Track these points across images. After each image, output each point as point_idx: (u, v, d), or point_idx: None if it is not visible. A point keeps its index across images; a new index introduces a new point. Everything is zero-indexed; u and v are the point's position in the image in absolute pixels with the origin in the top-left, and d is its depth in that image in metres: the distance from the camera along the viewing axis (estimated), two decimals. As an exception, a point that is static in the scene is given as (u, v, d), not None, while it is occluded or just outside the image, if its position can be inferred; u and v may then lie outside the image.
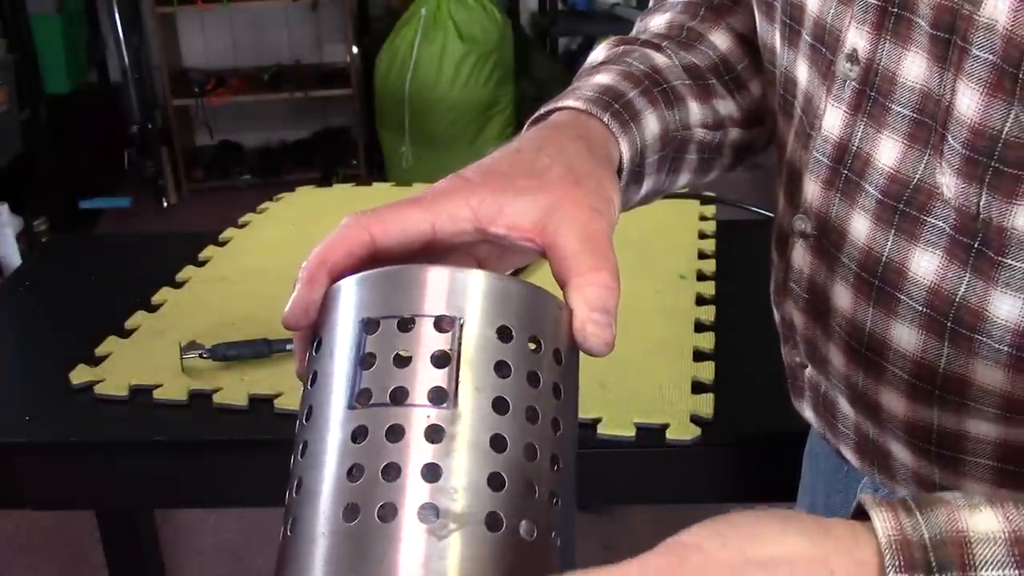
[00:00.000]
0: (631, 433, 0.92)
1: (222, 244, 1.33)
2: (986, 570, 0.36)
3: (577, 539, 0.44)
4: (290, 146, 4.26)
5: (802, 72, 0.61)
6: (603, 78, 0.61)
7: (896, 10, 0.52)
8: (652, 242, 1.26)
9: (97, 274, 1.32)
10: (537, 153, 0.52)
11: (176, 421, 0.98)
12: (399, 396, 0.39)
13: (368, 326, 0.41)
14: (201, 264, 1.27)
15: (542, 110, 0.60)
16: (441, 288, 0.41)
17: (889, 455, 0.61)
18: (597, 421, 0.93)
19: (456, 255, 0.51)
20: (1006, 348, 0.52)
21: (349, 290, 0.43)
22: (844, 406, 0.63)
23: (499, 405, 0.39)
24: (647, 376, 0.99)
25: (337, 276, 0.46)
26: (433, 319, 0.40)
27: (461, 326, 0.40)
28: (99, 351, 1.07)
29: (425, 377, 0.39)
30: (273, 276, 1.22)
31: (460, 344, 0.40)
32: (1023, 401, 0.53)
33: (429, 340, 0.40)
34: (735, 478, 0.97)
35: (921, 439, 0.58)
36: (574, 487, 0.42)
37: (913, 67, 0.52)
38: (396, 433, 0.38)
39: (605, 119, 0.57)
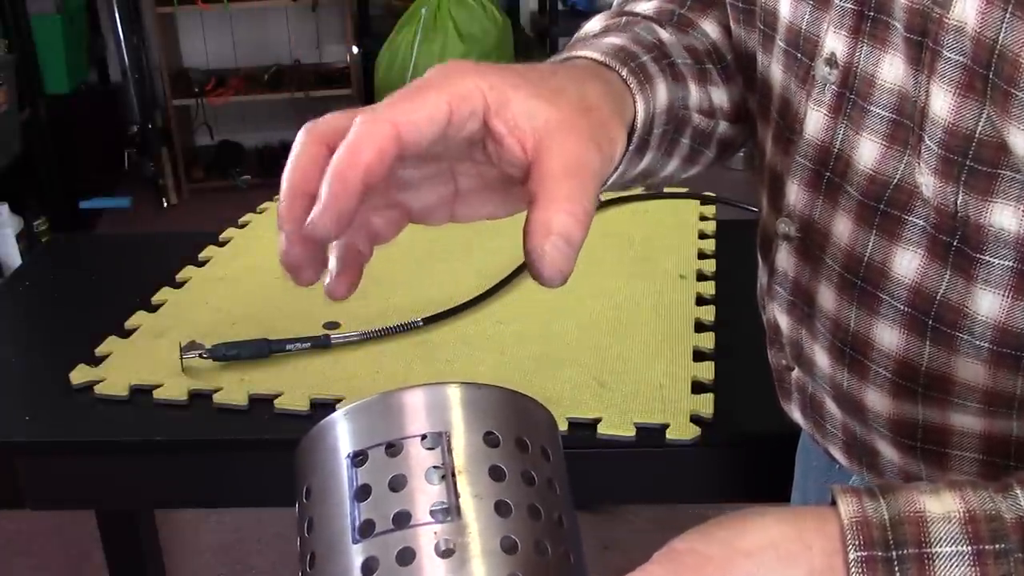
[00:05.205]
0: (631, 433, 0.92)
1: (222, 244, 1.33)
2: (940, 546, 0.39)
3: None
4: (290, 146, 4.23)
5: (776, 77, 0.61)
6: (614, 40, 0.59)
7: (872, 13, 0.52)
8: (652, 242, 1.26)
9: (97, 274, 1.32)
10: (552, 74, 0.51)
11: (176, 421, 0.98)
12: (402, 519, 0.39)
13: (356, 459, 0.41)
14: (201, 264, 1.27)
15: (554, 59, 0.57)
16: (420, 407, 0.41)
17: (876, 453, 0.61)
18: (597, 421, 0.93)
19: (440, 177, 0.49)
20: (987, 344, 0.52)
21: (327, 431, 0.42)
22: (831, 406, 0.63)
23: (502, 508, 0.39)
24: (647, 376, 0.99)
25: (372, 181, 0.43)
26: (419, 438, 0.40)
27: (448, 439, 0.40)
28: (99, 351, 1.07)
29: (424, 495, 0.39)
30: (273, 276, 1.22)
31: (452, 456, 0.40)
32: (1005, 396, 0.53)
33: (420, 459, 0.40)
34: (735, 478, 0.97)
35: (907, 436, 0.58)
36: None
37: (891, 69, 0.52)
38: (407, 556, 0.38)
39: (623, 73, 0.55)
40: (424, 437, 0.40)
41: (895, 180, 0.53)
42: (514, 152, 0.46)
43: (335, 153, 0.44)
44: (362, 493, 0.40)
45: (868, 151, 0.54)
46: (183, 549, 2.20)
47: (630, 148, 0.56)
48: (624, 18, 0.65)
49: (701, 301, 1.12)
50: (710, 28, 0.68)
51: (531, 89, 0.47)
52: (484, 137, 0.47)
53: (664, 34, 0.63)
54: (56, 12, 3.53)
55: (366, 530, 0.39)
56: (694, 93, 0.63)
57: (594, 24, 0.66)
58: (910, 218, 0.53)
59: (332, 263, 0.49)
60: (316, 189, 0.44)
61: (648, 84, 0.57)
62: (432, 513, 0.39)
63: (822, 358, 0.61)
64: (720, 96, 0.66)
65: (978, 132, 0.47)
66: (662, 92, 0.59)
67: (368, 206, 0.49)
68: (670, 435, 0.92)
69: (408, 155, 0.44)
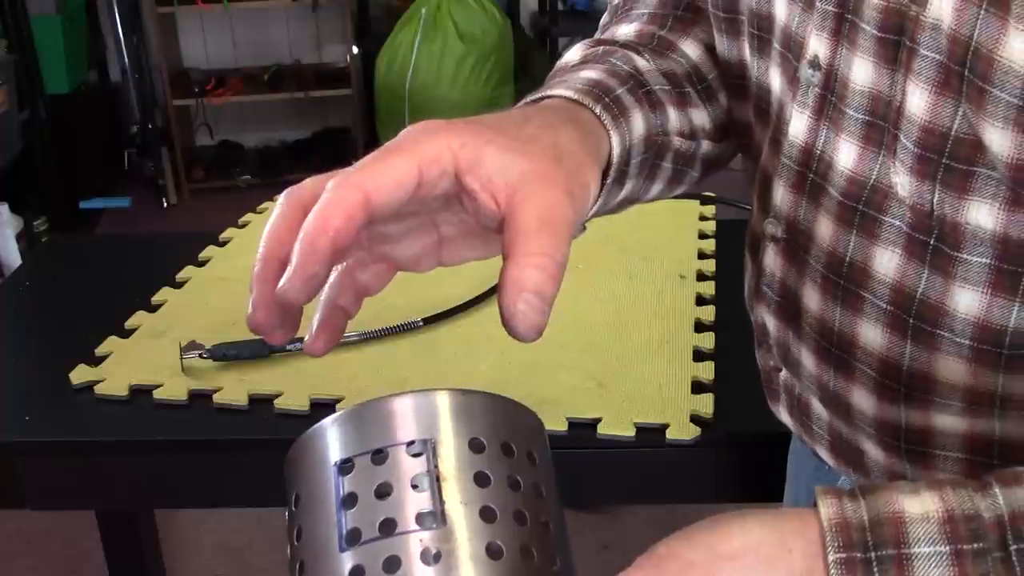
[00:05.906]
0: (631, 433, 0.92)
1: (222, 244, 1.33)
2: (919, 546, 0.39)
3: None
4: (290, 146, 4.26)
5: (775, 80, 0.61)
6: (589, 73, 0.60)
7: (850, 16, 0.53)
8: (652, 242, 1.26)
9: (97, 274, 1.32)
10: (525, 121, 0.51)
11: (176, 421, 0.98)
12: (388, 527, 0.39)
13: (343, 467, 0.41)
14: (201, 264, 1.27)
15: (529, 98, 0.58)
16: (407, 414, 0.41)
17: (862, 453, 0.61)
18: (597, 421, 0.93)
19: (422, 228, 0.50)
20: (967, 342, 0.52)
21: (315, 438, 0.42)
22: (817, 407, 0.63)
23: (487, 514, 0.39)
24: (647, 376, 0.99)
25: (340, 245, 0.44)
26: (405, 445, 0.40)
27: (434, 446, 0.40)
28: (99, 351, 1.07)
29: (410, 503, 0.39)
30: (273, 276, 1.22)
31: (437, 463, 0.40)
32: (986, 394, 0.53)
33: (406, 466, 0.40)
34: (735, 478, 0.97)
35: (891, 436, 0.58)
36: None
37: (861, 72, 0.53)
38: (393, 564, 0.38)
39: (597, 111, 0.56)
40: (410, 444, 0.40)
41: (871, 181, 0.54)
42: (488, 207, 0.47)
43: (306, 219, 0.45)
44: (349, 501, 0.40)
45: (846, 153, 0.55)
46: (183, 549, 2.20)
47: (607, 182, 0.57)
48: (602, 48, 0.65)
49: (701, 301, 1.12)
50: (690, 49, 0.69)
51: (503, 142, 0.48)
52: (459, 192, 0.48)
53: (641, 62, 0.64)
54: (56, 12, 3.54)
55: (353, 538, 0.39)
56: (673, 117, 0.64)
57: (574, 54, 0.66)
58: (887, 218, 0.53)
59: (314, 321, 0.50)
60: (289, 253, 0.45)
61: (623, 117, 0.58)
62: (418, 520, 0.39)
63: (808, 358, 0.62)
64: (701, 117, 0.67)
65: (954, 130, 0.48)
66: (638, 123, 0.60)
67: (354, 263, 0.50)
68: (670, 435, 0.92)
69: (378, 218, 0.45)
